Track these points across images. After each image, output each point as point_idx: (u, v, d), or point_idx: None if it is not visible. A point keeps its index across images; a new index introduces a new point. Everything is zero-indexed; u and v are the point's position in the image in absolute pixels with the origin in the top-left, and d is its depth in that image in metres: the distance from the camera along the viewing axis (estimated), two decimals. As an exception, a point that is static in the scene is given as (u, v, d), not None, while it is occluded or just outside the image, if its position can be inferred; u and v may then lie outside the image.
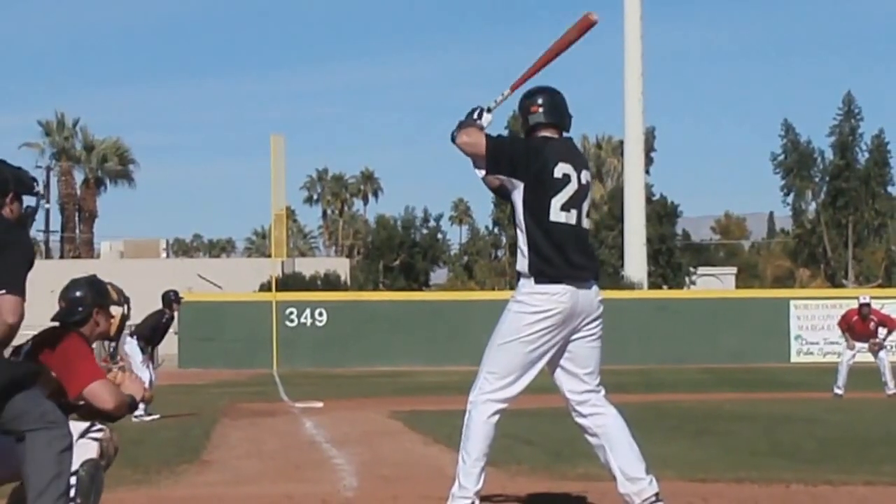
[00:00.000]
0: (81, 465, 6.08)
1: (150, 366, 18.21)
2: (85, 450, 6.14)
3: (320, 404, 19.27)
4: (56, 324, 6.46)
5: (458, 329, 40.60)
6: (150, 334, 18.19)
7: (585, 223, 6.89)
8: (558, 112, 6.98)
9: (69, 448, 5.71)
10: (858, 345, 23.05)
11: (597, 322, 6.90)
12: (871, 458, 10.57)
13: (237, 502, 8.00)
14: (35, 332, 6.41)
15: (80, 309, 6.49)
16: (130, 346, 18.07)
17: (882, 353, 22.88)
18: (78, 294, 6.56)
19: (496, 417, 6.78)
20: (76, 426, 6.17)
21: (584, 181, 6.88)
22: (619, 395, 27.13)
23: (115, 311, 6.63)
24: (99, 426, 6.28)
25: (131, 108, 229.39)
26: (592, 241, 7.02)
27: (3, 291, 5.47)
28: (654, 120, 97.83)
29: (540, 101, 6.96)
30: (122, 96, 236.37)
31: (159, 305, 18.31)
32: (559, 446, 11.60)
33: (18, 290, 5.51)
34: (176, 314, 18.60)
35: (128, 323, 6.85)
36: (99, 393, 6.17)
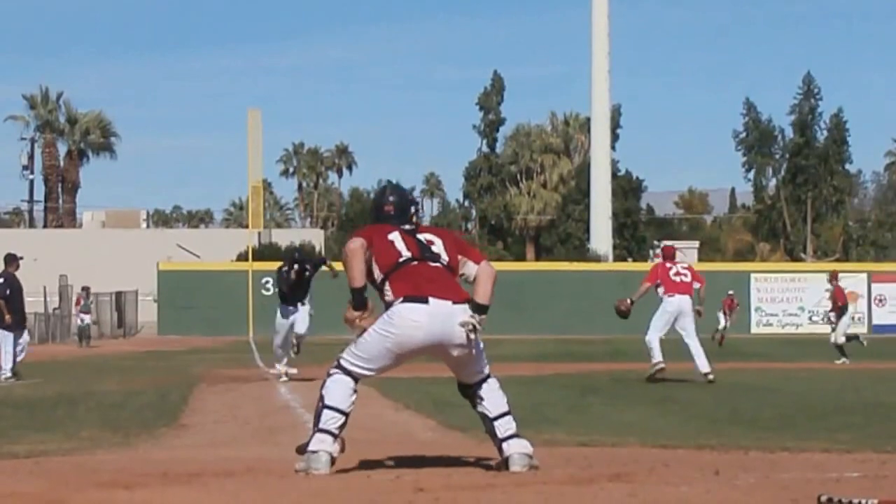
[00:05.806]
0: None
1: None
2: None
3: (295, 370, 19.43)
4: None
5: (426, 299, 40.77)
6: (286, 291, 18.70)
7: None
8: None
9: None
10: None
11: None
12: (828, 426, 10.74)
13: (213, 465, 8.16)
14: None
15: (413, 208, 7.08)
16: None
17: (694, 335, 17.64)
18: (406, 194, 7.17)
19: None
20: None
21: None
22: (585, 364, 27.19)
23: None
24: None
25: (114, 82, 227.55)
26: None
27: None
28: (620, 97, 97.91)
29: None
30: (105, 70, 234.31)
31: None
32: (525, 413, 11.80)
33: None
34: (296, 266, 18.73)
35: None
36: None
